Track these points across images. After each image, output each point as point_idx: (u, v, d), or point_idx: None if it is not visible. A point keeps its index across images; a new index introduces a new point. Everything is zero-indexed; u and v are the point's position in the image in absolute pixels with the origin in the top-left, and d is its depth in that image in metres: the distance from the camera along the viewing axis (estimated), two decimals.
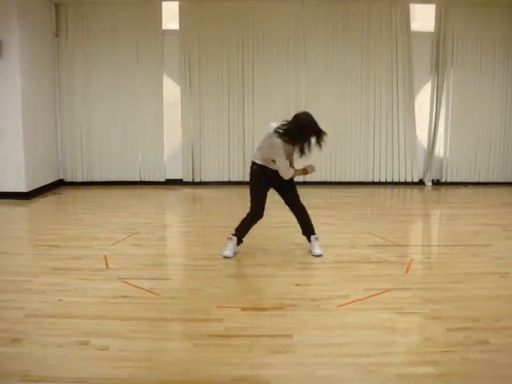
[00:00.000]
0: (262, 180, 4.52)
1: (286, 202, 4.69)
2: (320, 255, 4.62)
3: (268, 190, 4.57)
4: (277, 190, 4.66)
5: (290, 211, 4.72)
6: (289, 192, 4.65)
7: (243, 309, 3.42)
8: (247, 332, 3.06)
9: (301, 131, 4.19)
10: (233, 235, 4.67)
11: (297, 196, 4.68)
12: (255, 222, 4.61)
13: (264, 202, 4.53)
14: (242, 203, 7.49)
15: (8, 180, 7.29)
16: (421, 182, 9.00)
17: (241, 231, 4.67)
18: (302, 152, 4.24)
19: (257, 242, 4.95)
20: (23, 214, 6.78)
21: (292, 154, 4.48)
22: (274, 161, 4.39)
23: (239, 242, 4.72)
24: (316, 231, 4.74)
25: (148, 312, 3.37)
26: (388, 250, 4.87)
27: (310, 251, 4.69)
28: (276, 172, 4.44)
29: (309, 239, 4.74)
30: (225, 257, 4.57)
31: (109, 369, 2.64)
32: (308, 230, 4.74)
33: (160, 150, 8.79)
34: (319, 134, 4.19)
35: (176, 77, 8.67)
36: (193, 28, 8.48)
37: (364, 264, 4.45)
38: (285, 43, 8.57)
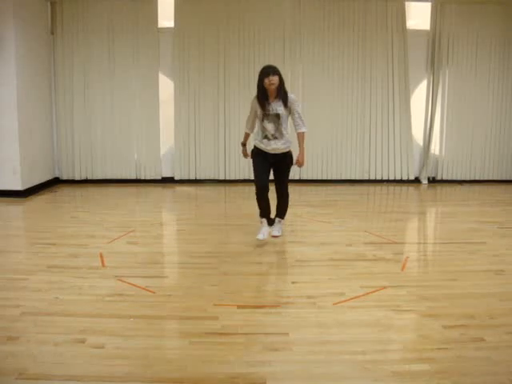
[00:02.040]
0: (256, 157, 4.86)
1: (275, 183, 4.95)
2: (277, 236, 4.93)
3: (266, 166, 4.82)
4: (273, 171, 4.92)
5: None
6: (280, 173, 4.90)
7: (239, 306, 3.43)
8: (243, 330, 3.07)
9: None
10: (260, 217, 4.96)
11: (285, 180, 4.92)
12: (260, 193, 4.79)
13: (260, 176, 4.78)
14: (237, 201, 7.54)
15: (4, 178, 7.25)
16: (417, 180, 9.02)
17: (260, 210, 4.93)
18: (260, 103, 4.65)
19: (252, 239, 4.94)
20: (19, 212, 6.75)
21: (262, 109, 4.71)
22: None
23: (269, 222, 5.00)
24: (285, 218, 5.07)
25: (144, 310, 3.37)
26: (384, 248, 4.88)
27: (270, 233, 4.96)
28: (270, 155, 4.76)
29: (273, 221, 5.01)
30: (258, 239, 4.87)
31: (105, 367, 2.63)
32: (279, 212, 5.02)
33: (156, 148, 8.75)
34: (261, 76, 4.66)
35: (171, 75, 8.65)
36: (188, 26, 8.45)
37: (360, 262, 4.46)
38: (281, 41, 8.56)
